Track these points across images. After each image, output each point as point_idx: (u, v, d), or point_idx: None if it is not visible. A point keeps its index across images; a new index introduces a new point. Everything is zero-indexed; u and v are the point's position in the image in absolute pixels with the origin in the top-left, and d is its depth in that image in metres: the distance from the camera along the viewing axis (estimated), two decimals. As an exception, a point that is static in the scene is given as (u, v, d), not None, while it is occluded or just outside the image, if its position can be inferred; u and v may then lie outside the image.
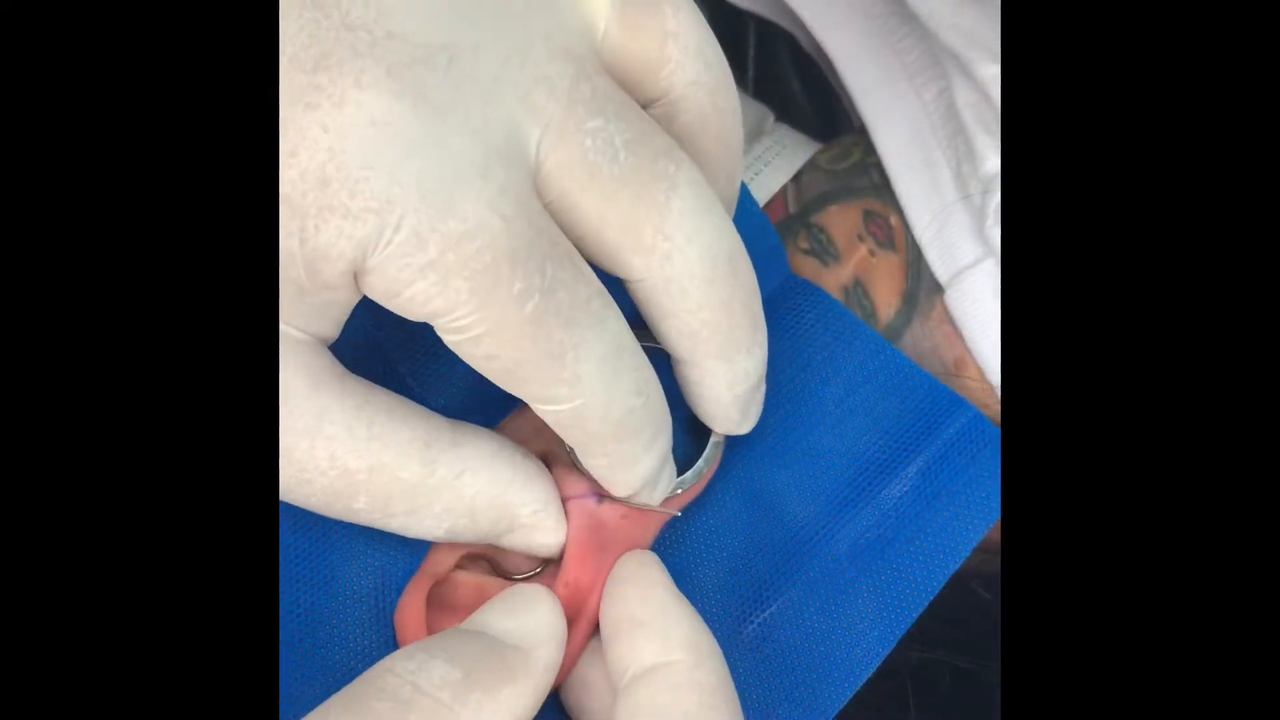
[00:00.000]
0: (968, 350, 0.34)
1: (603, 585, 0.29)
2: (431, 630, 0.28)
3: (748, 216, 0.33)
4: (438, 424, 0.27)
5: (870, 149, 0.37)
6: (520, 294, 0.24)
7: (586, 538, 0.29)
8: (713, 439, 0.31)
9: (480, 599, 0.28)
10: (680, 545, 0.31)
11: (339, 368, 0.26)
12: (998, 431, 0.32)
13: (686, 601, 0.28)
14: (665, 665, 0.26)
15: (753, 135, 0.38)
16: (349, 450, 0.26)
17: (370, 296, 0.25)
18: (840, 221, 0.36)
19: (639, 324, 0.28)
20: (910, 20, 0.36)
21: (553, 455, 0.30)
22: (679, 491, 0.30)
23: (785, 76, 0.44)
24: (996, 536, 0.33)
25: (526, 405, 0.30)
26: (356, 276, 0.24)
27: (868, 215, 0.36)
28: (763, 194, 0.37)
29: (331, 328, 0.26)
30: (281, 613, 0.28)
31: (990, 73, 0.33)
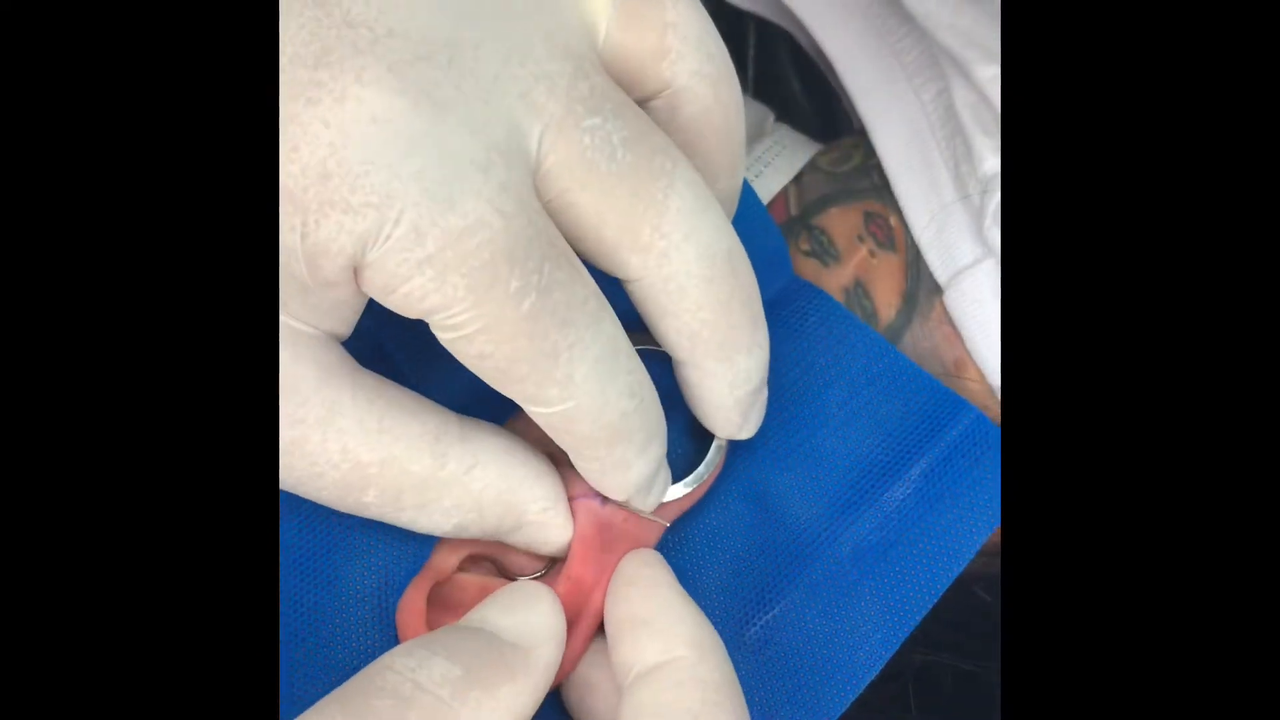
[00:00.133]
0: (967, 351, 0.34)
1: (606, 585, 0.29)
2: (432, 629, 0.28)
3: (754, 218, 0.33)
4: (447, 419, 0.27)
5: (870, 151, 0.37)
6: (517, 292, 0.24)
7: (591, 536, 0.29)
8: (715, 443, 0.31)
9: (483, 599, 0.28)
10: (683, 547, 0.31)
11: (351, 362, 0.26)
12: (1000, 433, 0.32)
13: (690, 600, 0.27)
14: (668, 663, 0.26)
15: (753, 136, 0.38)
16: (360, 443, 0.26)
17: (368, 292, 0.25)
18: (841, 223, 0.36)
19: (637, 327, 0.28)
20: (909, 20, 0.36)
21: (558, 455, 0.30)
22: (679, 496, 0.30)
23: (785, 76, 0.44)
24: (998, 539, 0.33)
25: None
26: (356, 272, 0.24)
27: (868, 216, 0.36)
28: (764, 195, 0.37)
29: (341, 325, 0.26)
30: (285, 611, 0.28)
31: (988, 74, 0.33)
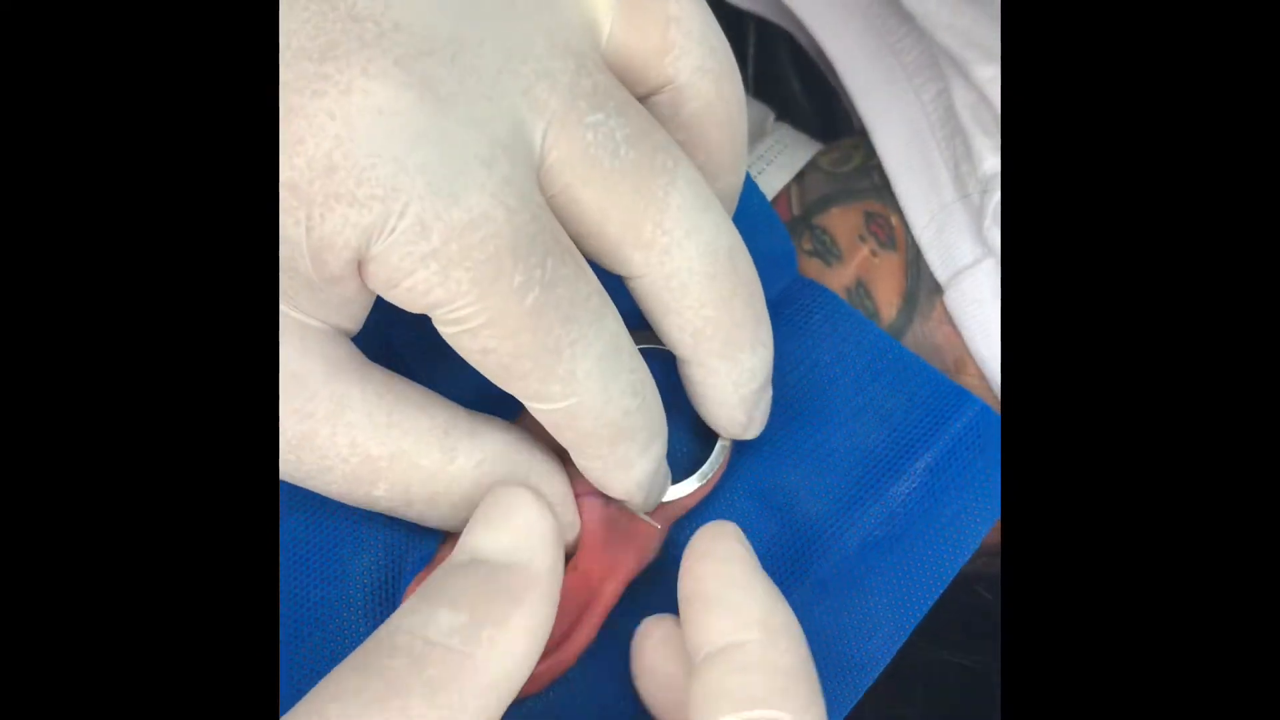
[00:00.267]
0: (967, 350, 0.34)
1: (614, 578, 0.29)
2: None
3: (760, 217, 0.33)
4: (456, 414, 0.27)
5: (871, 151, 0.37)
6: (521, 286, 0.24)
7: (598, 532, 0.29)
8: (719, 443, 0.31)
9: None
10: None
11: (359, 357, 0.26)
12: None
13: (765, 576, 0.27)
14: (736, 646, 0.25)
15: (754, 135, 0.39)
16: (369, 437, 0.26)
17: (371, 287, 0.25)
18: (842, 222, 0.36)
19: (640, 326, 0.28)
20: (908, 20, 0.36)
21: (566, 453, 0.30)
22: (684, 495, 0.30)
23: (785, 76, 0.44)
24: (998, 539, 0.33)
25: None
26: (360, 266, 0.24)
27: (869, 216, 0.36)
28: (766, 193, 0.37)
29: (349, 321, 0.26)
30: (293, 604, 0.29)
31: (987, 74, 0.33)
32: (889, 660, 0.30)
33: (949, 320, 0.34)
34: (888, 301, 0.35)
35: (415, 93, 0.23)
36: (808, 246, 0.35)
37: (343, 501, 0.27)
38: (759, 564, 0.27)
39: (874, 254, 0.35)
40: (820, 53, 0.40)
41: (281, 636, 0.28)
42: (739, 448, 0.32)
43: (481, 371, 0.25)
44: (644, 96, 0.28)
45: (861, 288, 0.35)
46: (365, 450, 0.26)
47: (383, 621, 0.29)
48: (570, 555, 0.29)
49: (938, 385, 0.32)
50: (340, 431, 0.26)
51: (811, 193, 0.36)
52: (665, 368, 0.30)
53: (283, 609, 0.28)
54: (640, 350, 0.27)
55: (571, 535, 0.29)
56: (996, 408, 0.33)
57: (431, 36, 0.24)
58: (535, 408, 0.26)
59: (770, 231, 0.34)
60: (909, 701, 0.34)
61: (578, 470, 0.29)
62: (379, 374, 0.26)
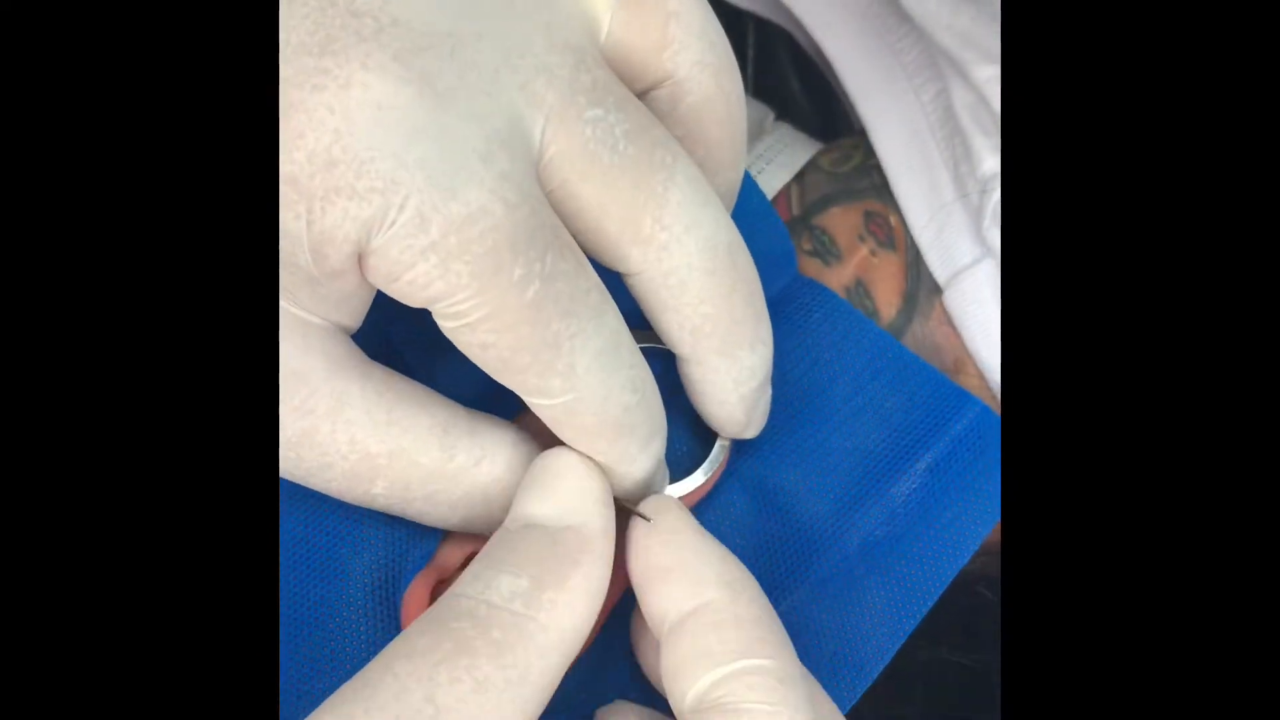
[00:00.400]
0: (967, 351, 0.34)
1: (617, 580, 0.29)
2: None
3: (760, 216, 0.33)
4: (456, 412, 0.27)
5: (871, 151, 0.37)
6: (520, 280, 0.24)
7: None
8: (719, 442, 0.31)
9: None
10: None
11: (359, 354, 0.26)
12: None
13: (713, 539, 0.27)
14: (702, 606, 0.25)
15: (753, 135, 0.39)
16: (369, 434, 0.26)
17: (371, 281, 0.25)
18: (842, 222, 0.36)
19: (640, 325, 0.28)
20: (907, 20, 0.36)
21: None
22: (682, 495, 0.30)
23: (785, 76, 0.44)
24: (998, 539, 0.33)
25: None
26: (360, 260, 0.24)
27: (868, 216, 0.36)
28: (766, 192, 0.37)
29: (350, 318, 0.26)
30: (294, 602, 0.29)
31: (986, 74, 0.33)
32: (888, 660, 0.30)
33: (948, 320, 0.34)
34: (887, 301, 0.35)
35: (414, 87, 0.23)
36: (807, 246, 0.35)
37: (342, 499, 0.27)
38: (702, 528, 0.27)
39: (873, 254, 0.35)
40: (819, 52, 0.40)
41: (282, 636, 0.28)
42: (738, 447, 0.32)
43: (482, 367, 0.25)
44: (643, 92, 0.28)
45: (861, 287, 0.35)
46: (364, 447, 0.26)
47: (383, 621, 0.29)
48: None
49: (938, 386, 0.33)
50: (340, 428, 0.26)
51: (811, 193, 0.36)
52: (664, 367, 0.30)
53: (283, 608, 0.28)
54: (640, 349, 0.27)
55: None
56: (996, 408, 0.33)
57: (430, 32, 0.24)
58: (535, 403, 0.26)
59: (769, 230, 0.34)
60: (909, 700, 0.34)
61: None
62: (379, 372, 0.26)
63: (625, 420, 0.27)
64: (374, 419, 0.26)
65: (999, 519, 0.31)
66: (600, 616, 0.29)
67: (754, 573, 0.30)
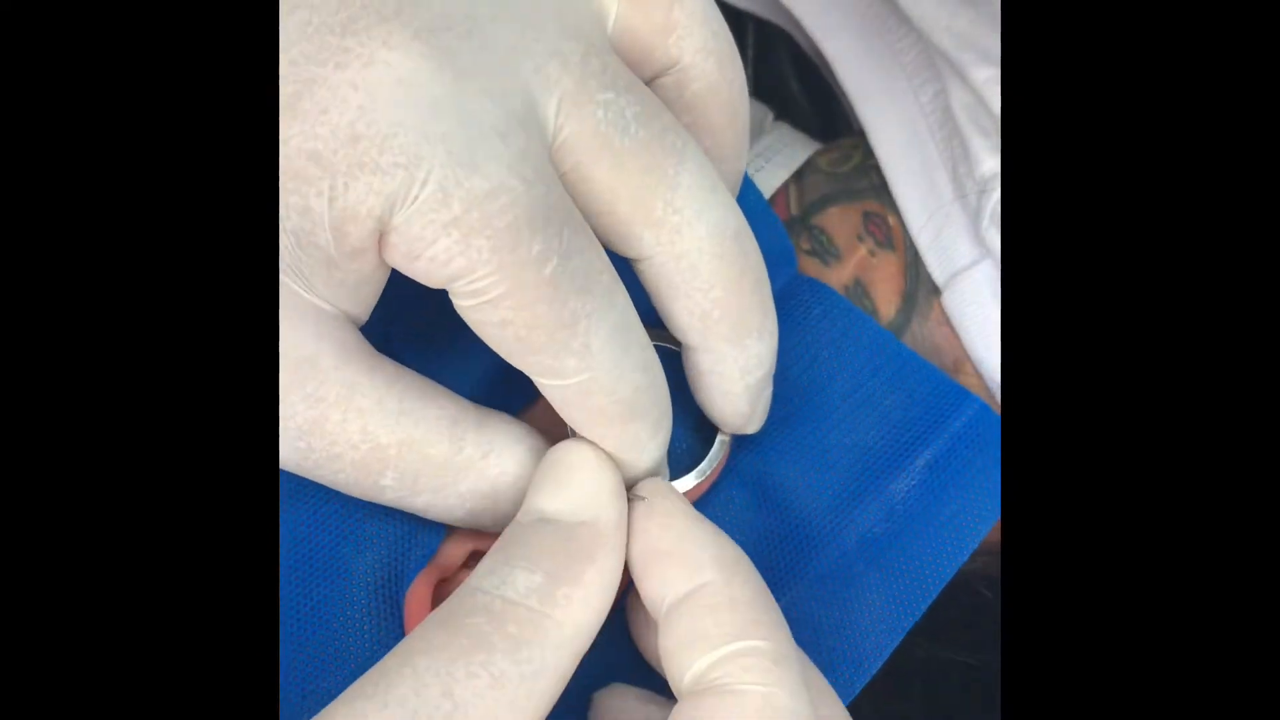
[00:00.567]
0: (965, 351, 0.34)
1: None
2: None
3: (756, 215, 0.33)
4: (463, 405, 0.27)
5: (870, 152, 0.37)
6: (539, 255, 0.24)
7: None
8: (719, 438, 0.31)
9: None
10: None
11: (368, 345, 0.26)
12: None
13: (707, 521, 0.27)
14: (698, 589, 0.25)
15: (753, 134, 0.39)
16: (380, 424, 0.26)
17: (390, 261, 0.25)
18: (840, 222, 0.36)
19: (645, 322, 0.28)
20: (906, 21, 0.36)
21: None
22: (682, 491, 0.30)
23: (784, 76, 0.44)
24: (998, 539, 0.33)
25: (537, 404, 0.31)
26: (381, 238, 0.24)
27: (867, 216, 0.36)
28: (765, 190, 0.37)
29: (359, 306, 0.26)
30: (298, 601, 0.29)
31: (984, 76, 0.33)
32: (886, 656, 0.30)
33: (947, 321, 0.34)
34: (886, 301, 0.35)
35: (434, 64, 0.24)
36: (806, 246, 0.36)
37: (348, 492, 0.27)
38: (695, 510, 0.27)
39: (872, 254, 0.35)
40: (819, 53, 0.40)
41: (285, 635, 0.28)
42: (738, 443, 0.32)
43: (497, 348, 0.26)
44: (648, 80, 0.28)
45: (860, 287, 0.35)
46: (375, 438, 0.26)
47: (386, 620, 0.29)
48: None
49: (937, 383, 0.33)
50: (351, 418, 0.26)
51: (810, 193, 0.37)
52: (668, 365, 0.30)
53: (286, 607, 0.29)
54: None
55: None
56: (995, 408, 0.33)
57: (447, 13, 0.24)
58: (548, 384, 0.26)
59: (766, 228, 0.34)
60: (908, 699, 0.34)
61: None
62: (387, 363, 0.27)
63: (637, 402, 0.27)
64: (385, 408, 0.26)
65: (998, 516, 0.31)
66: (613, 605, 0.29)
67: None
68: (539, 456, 0.28)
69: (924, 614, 0.30)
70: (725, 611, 0.25)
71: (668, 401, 0.28)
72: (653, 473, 0.28)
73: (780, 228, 0.34)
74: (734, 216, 0.28)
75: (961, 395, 0.32)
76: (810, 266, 0.35)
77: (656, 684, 0.29)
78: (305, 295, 0.25)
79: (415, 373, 0.27)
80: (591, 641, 0.25)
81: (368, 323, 0.27)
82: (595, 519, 0.26)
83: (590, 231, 0.26)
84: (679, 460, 0.32)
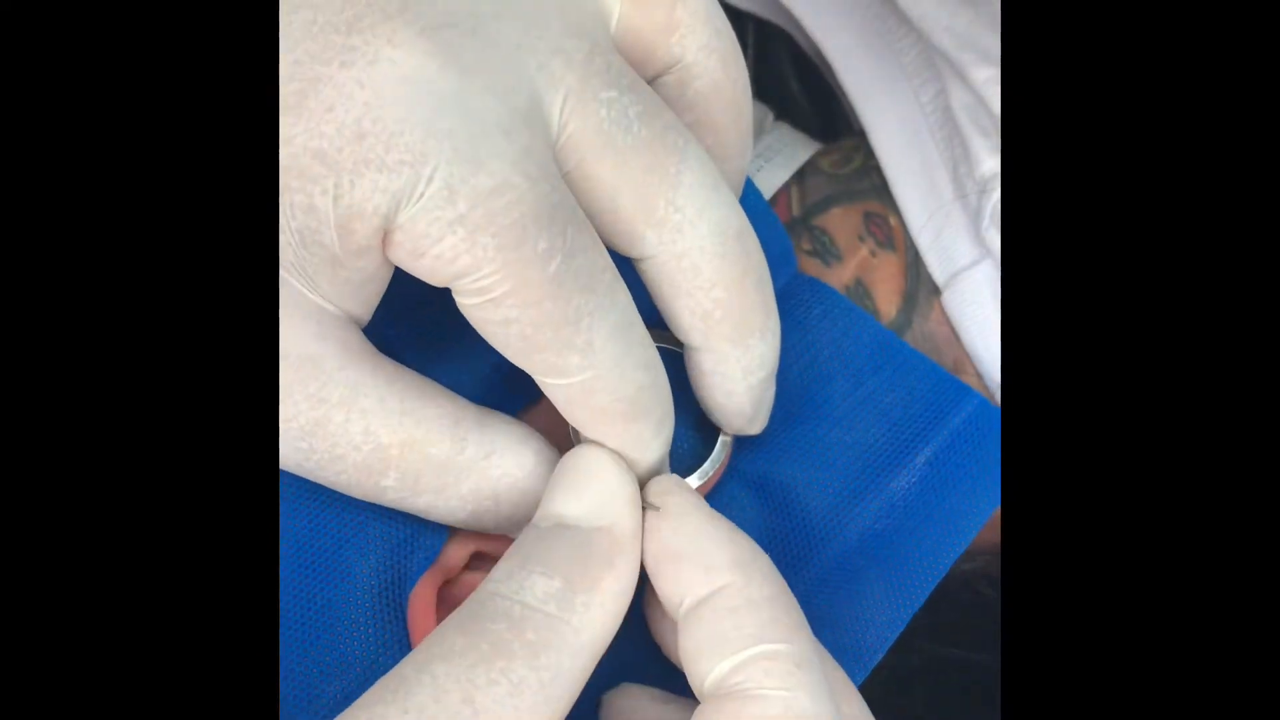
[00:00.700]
0: (965, 351, 0.34)
1: None
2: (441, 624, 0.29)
3: (756, 215, 0.33)
4: (466, 405, 0.27)
5: (871, 153, 0.37)
6: (544, 253, 0.24)
7: None
8: (721, 439, 0.31)
9: None
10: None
11: (370, 345, 0.26)
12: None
13: (722, 519, 0.27)
14: (716, 592, 0.25)
15: (753, 133, 0.39)
16: (382, 424, 0.26)
17: (395, 259, 0.25)
18: (841, 223, 0.36)
19: (646, 323, 0.28)
20: (907, 21, 0.36)
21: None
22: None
23: (784, 76, 0.44)
24: (999, 538, 0.33)
25: (536, 406, 0.31)
26: (386, 236, 0.24)
27: (868, 216, 0.36)
28: (765, 190, 0.37)
29: (362, 307, 0.26)
30: (299, 607, 0.29)
31: (984, 75, 0.33)
32: (886, 649, 0.30)
33: (948, 321, 0.34)
34: (887, 301, 0.35)
35: (439, 61, 0.24)
36: (807, 247, 0.36)
37: (349, 493, 0.27)
38: (710, 508, 0.27)
39: (873, 254, 0.35)
40: (819, 53, 0.40)
41: (287, 640, 0.28)
42: (739, 443, 0.32)
43: (500, 347, 0.26)
44: (651, 79, 0.28)
45: (861, 288, 0.35)
46: (378, 438, 0.26)
47: (389, 623, 0.29)
48: None
49: (937, 379, 0.33)
50: (354, 418, 0.26)
51: (812, 194, 0.37)
52: (669, 365, 0.30)
53: (288, 610, 0.28)
54: None
55: None
56: (996, 408, 0.33)
57: (451, 10, 0.24)
58: (551, 383, 0.26)
59: (766, 228, 0.34)
60: (909, 698, 0.34)
61: None
62: (388, 364, 0.27)
63: (639, 401, 0.27)
64: (387, 408, 0.26)
65: (996, 506, 0.31)
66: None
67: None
68: (542, 458, 0.28)
69: (925, 614, 0.30)
70: (745, 614, 0.25)
71: (669, 400, 0.28)
72: (656, 472, 0.28)
73: (780, 227, 0.34)
74: (736, 216, 0.28)
75: (961, 390, 0.32)
76: (811, 267, 0.35)
77: (674, 683, 0.29)
78: (309, 295, 0.25)
79: (417, 373, 0.27)
80: (607, 647, 0.25)
81: (370, 324, 0.27)
82: (612, 525, 0.26)
83: (593, 230, 0.26)
84: (681, 460, 0.32)
